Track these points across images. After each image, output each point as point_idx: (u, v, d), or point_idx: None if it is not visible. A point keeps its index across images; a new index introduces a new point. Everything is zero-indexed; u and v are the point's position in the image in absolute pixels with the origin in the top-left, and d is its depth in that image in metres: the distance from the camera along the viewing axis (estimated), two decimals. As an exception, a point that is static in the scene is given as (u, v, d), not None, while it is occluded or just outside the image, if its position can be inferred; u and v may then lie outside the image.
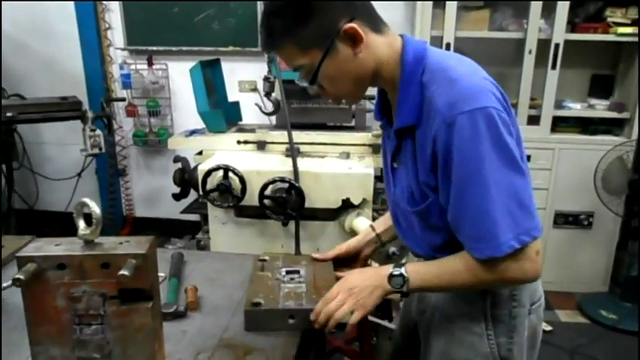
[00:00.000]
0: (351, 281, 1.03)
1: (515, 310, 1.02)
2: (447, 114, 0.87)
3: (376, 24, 0.97)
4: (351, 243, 1.32)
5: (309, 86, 0.99)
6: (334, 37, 0.92)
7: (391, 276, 0.98)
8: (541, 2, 2.69)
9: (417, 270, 0.98)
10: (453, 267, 0.95)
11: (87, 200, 0.78)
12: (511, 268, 0.89)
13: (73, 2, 3.32)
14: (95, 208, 0.77)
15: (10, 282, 0.75)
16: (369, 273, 1.04)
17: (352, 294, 1.00)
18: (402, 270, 0.98)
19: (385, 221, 1.31)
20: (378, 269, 1.02)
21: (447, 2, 2.74)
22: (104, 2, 3.36)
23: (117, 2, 3.35)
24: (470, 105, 0.85)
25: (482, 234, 0.88)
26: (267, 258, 1.29)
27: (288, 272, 1.20)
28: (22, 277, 0.73)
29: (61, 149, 3.67)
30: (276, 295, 1.09)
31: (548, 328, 2.67)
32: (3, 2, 3.29)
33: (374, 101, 1.13)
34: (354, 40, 0.92)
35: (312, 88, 1.00)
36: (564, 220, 2.95)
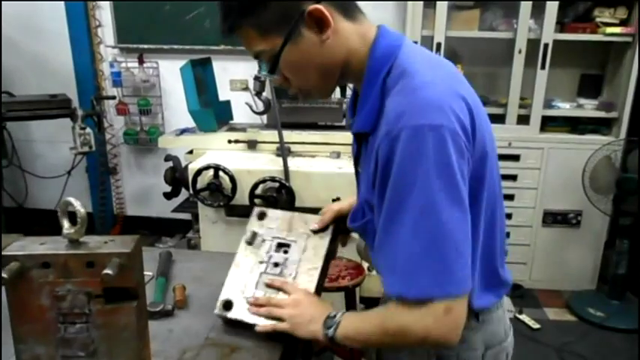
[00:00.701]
0: (302, 300, 0.98)
1: (464, 353, 0.90)
2: (392, 125, 0.76)
3: (348, 9, 0.86)
4: (344, 204, 1.14)
5: (271, 76, 0.88)
6: (297, 21, 0.81)
7: (328, 317, 0.90)
8: (531, 2, 2.72)
9: (353, 319, 0.89)
10: (382, 315, 0.84)
11: (72, 199, 0.78)
12: (415, 318, 0.77)
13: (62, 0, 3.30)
14: (80, 208, 0.77)
15: (-6, 281, 0.74)
16: (321, 305, 0.96)
17: (295, 311, 0.96)
18: (339, 314, 0.90)
19: None
20: (329, 305, 0.96)
21: (438, 2, 2.76)
22: (94, 0, 3.34)
23: (107, 0, 3.33)
24: (420, 119, 0.74)
25: (397, 267, 0.77)
26: (266, 212, 1.14)
27: (279, 246, 1.09)
28: (5, 275, 0.72)
29: (50, 147, 3.65)
30: (250, 290, 1.05)
31: (537, 326, 2.69)
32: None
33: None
34: (321, 24, 0.82)
35: (275, 79, 0.90)
36: (553, 218, 2.98)
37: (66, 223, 0.78)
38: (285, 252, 1.07)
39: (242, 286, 1.05)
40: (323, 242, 1.08)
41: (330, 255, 1.09)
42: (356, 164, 0.97)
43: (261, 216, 1.13)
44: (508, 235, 2.98)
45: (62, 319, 0.79)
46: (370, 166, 0.82)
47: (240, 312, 1.02)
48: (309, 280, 1.03)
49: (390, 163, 0.76)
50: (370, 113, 0.84)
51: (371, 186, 0.83)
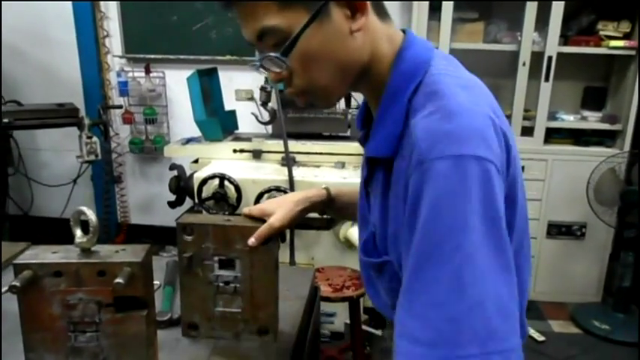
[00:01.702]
0: None
1: None
2: (425, 152, 0.61)
3: (381, 6, 0.75)
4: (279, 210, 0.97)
5: (274, 63, 0.71)
6: None
7: None
8: (535, 15, 2.73)
9: None
10: None
11: (84, 208, 0.79)
12: None
13: (71, 10, 3.33)
14: (92, 217, 0.78)
15: (6, 288, 0.75)
16: None
17: None
18: None
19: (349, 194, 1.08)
20: None
21: (442, 14, 2.78)
22: (102, 10, 3.38)
23: (115, 10, 3.37)
24: (460, 148, 0.59)
25: (435, 334, 0.58)
26: (193, 227, 0.96)
27: (221, 263, 0.98)
28: (18, 284, 0.73)
29: (56, 155, 3.67)
30: (210, 312, 1.01)
31: (541, 338, 2.68)
32: (2, 6, 3.31)
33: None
34: (354, 9, 0.69)
35: (276, 71, 0.72)
36: (557, 230, 2.97)
37: (78, 232, 0.79)
38: (231, 268, 0.98)
39: (200, 307, 1.01)
40: (270, 256, 0.97)
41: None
42: (366, 186, 0.85)
43: (189, 231, 0.97)
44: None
45: (73, 328, 0.80)
46: (399, 194, 0.68)
47: (208, 331, 1.02)
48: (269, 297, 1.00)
49: (420, 200, 0.61)
50: (390, 137, 0.71)
51: (394, 220, 0.71)
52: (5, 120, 2.39)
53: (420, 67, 0.72)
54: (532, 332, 2.72)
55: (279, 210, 0.97)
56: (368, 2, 0.69)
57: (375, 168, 0.79)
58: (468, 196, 0.58)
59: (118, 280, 0.74)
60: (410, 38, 0.76)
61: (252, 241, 0.93)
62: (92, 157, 2.70)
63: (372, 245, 0.80)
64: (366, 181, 0.84)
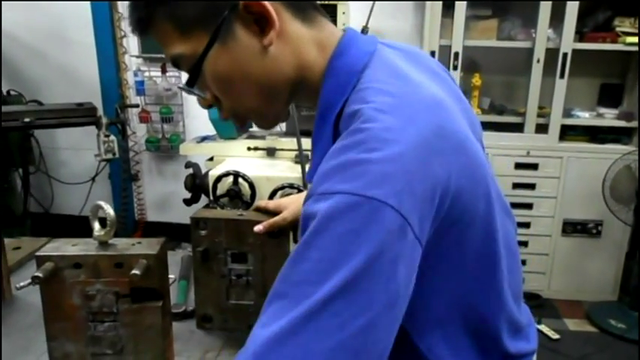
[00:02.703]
0: None
1: None
2: (314, 187, 0.54)
3: (303, 9, 0.65)
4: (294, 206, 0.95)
5: (191, 91, 0.66)
6: (229, 15, 0.60)
7: None
8: (549, 12, 2.72)
9: None
10: None
11: (102, 203, 0.82)
12: None
13: (89, 10, 3.40)
14: (110, 211, 0.82)
15: (28, 280, 0.79)
16: None
17: None
18: None
19: None
20: None
21: (456, 11, 2.77)
22: (120, 11, 3.44)
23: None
24: (340, 185, 0.50)
25: None
26: (207, 221, 0.98)
27: (234, 257, 0.99)
28: (40, 275, 0.77)
29: (75, 154, 3.75)
30: (223, 305, 1.02)
31: (556, 336, 2.67)
32: (17, 9, 3.39)
33: None
34: (263, 24, 0.61)
35: (203, 98, 0.68)
36: (573, 228, 2.95)
37: (96, 226, 0.82)
38: (244, 262, 1.00)
39: (214, 300, 1.03)
40: (282, 250, 0.98)
41: None
42: None
43: (203, 225, 0.99)
44: (526, 245, 2.97)
45: (92, 318, 0.83)
46: None
47: (221, 323, 1.04)
48: None
49: (303, 235, 0.53)
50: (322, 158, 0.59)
51: None
52: (27, 119, 2.44)
53: (349, 79, 0.62)
54: (546, 330, 2.71)
55: (292, 205, 0.98)
56: (275, 14, 0.61)
57: None
58: (340, 241, 0.49)
59: (135, 271, 0.77)
60: (345, 42, 0.66)
61: (259, 228, 0.91)
62: (110, 156, 2.75)
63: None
64: None
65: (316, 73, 0.66)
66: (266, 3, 0.60)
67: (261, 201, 1.04)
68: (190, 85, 0.65)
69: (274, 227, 0.96)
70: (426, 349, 0.65)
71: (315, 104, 0.66)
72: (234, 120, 0.71)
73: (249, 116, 0.71)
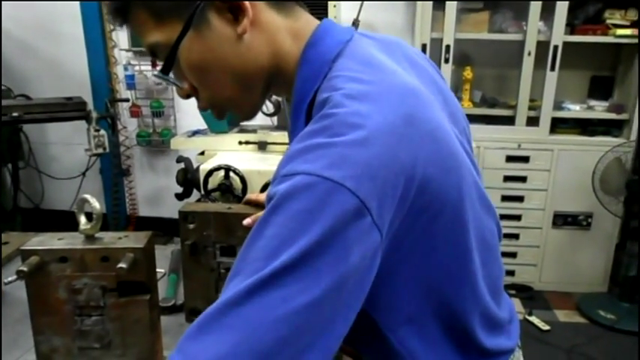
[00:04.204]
0: None
1: None
2: (278, 168, 0.55)
3: (281, 1, 0.66)
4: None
5: (167, 79, 0.67)
6: (202, 2, 0.61)
7: None
8: (540, 4, 2.72)
9: None
10: None
11: (88, 196, 0.82)
12: None
13: (78, 4, 3.36)
14: (95, 204, 0.81)
15: (15, 276, 0.78)
16: None
17: None
18: None
19: None
20: None
21: (447, 4, 2.77)
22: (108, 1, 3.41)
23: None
24: (300, 166, 0.51)
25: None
26: (195, 214, 0.98)
27: (222, 250, 0.98)
28: (25, 269, 0.76)
29: (66, 149, 3.72)
30: (212, 298, 0.99)
31: (546, 327, 2.69)
32: (7, 2, 3.35)
33: None
34: (236, 12, 0.62)
35: (180, 88, 0.69)
36: (563, 220, 2.97)
37: (82, 219, 0.82)
38: (233, 255, 0.98)
39: (203, 294, 1.02)
40: None
41: None
42: None
43: (191, 219, 0.98)
44: (517, 237, 2.99)
45: (79, 312, 0.83)
46: None
47: None
48: None
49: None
50: None
51: None
52: (15, 114, 2.42)
53: (321, 68, 0.62)
54: (537, 321, 2.73)
55: None
56: (247, 3, 0.61)
57: None
58: (293, 219, 0.49)
59: (121, 265, 0.77)
60: (320, 32, 0.66)
61: (248, 221, 0.89)
62: (100, 151, 2.74)
63: None
64: None
65: (291, 63, 0.66)
66: None
67: (252, 194, 1.04)
68: (165, 72, 0.65)
69: None
70: (399, 343, 0.64)
71: (289, 94, 0.67)
72: (212, 111, 0.71)
73: (227, 107, 0.71)
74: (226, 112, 0.72)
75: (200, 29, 0.62)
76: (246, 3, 0.61)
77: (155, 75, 0.67)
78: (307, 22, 0.67)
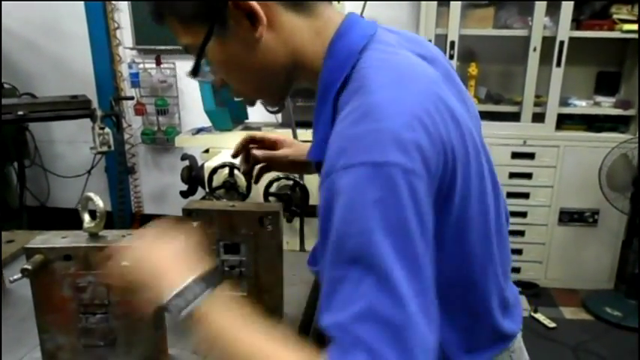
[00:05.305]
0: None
1: None
2: (333, 163, 0.57)
3: (299, 3, 0.70)
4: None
5: (202, 77, 0.74)
6: (222, 12, 0.66)
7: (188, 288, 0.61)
8: (546, 0, 2.70)
9: (223, 324, 0.60)
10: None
11: (92, 195, 0.82)
12: None
13: (82, 2, 3.37)
14: (99, 202, 0.81)
15: (20, 274, 0.78)
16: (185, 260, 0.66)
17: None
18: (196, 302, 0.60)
19: None
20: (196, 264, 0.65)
21: (452, 0, 2.75)
22: (113, 2, 3.41)
23: (126, 2, 3.40)
24: (367, 156, 0.54)
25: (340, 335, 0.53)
26: (199, 211, 0.99)
27: (226, 248, 0.99)
28: (29, 267, 0.76)
29: (71, 147, 3.73)
30: None
31: (552, 324, 2.68)
32: (10, 2, 3.36)
33: None
34: (252, 18, 0.67)
35: (214, 80, 0.76)
36: (569, 217, 2.95)
37: (86, 218, 0.82)
38: (236, 253, 0.99)
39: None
40: (274, 240, 0.98)
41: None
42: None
43: (195, 217, 0.99)
44: (522, 234, 2.97)
45: (83, 310, 0.83)
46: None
47: None
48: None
49: (330, 214, 0.56)
50: (321, 140, 0.65)
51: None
52: (20, 112, 2.43)
53: (349, 57, 0.67)
54: (542, 319, 2.72)
55: (295, 145, 1.07)
56: (262, 11, 0.66)
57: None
58: (375, 208, 0.53)
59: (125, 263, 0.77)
60: (346, 26, 0.70)
61: (257, 154, 0.99)
62: (105, 149, 2.73)
63: (317, 252, 0.72)
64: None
65: (312, 58, 0.71)
66: (252, 3, 0.65)
67: (257, 132, 1.04)
68: (194, 73, 0.72)
69: (274, 160, 0.99)
70: None
71: (316, 85, 0.71)
72: (243, 100, 0.81)
73: (254, 97, 0.80)
74: (255, 101, 0.81)
75: (222, 34, 0.68)
76: (260, 12, 0.66)
77: (187, 74, 0.74)
78: (330, 18, 0.72)
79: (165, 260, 0.66)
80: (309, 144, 0.93)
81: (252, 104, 0.82)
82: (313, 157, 0.72)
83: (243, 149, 1.07)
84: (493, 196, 0.71)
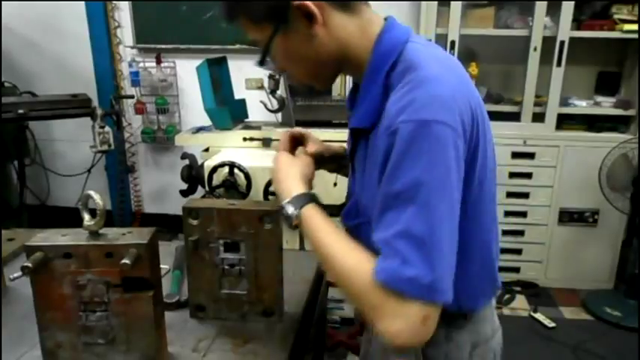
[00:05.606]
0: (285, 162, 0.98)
1: (451, 353, 0.89)
2: (393, 119, 0.72)
3: (346, 2, 0.84)
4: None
5: (266, 66, 0.91)
6: (286, 13, 0.81)
7: (292, 201, 0.87)
8: (546, 0, 2.70)
9: (315, 225, 0.84)
10: (349, 260, 0.76)
11: (92, 193, 0.82)
12: (386, 310, 0.69)
13: (83, 1, 3.37)
14: (99, 201, 0.81)
15: (20, 272, 0.79)
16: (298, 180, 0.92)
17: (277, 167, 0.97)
18: (301, 210, 0.85)
19: None
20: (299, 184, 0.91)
21: (452, 0, 2.75)
22: (114, 1, 3.41)
23: (126, 1, 3.40)
24: (424, 114, 0.70)
25: (393, 248, 0.69)
26: (199, 211, 1.01)
27: (226, 246, 1.01)
28: (29, 265, 0.76)
29: (71, 146, 3.73)
30: (216, 294, 1.04)
31: (552, 324, 2.68)
32: (9, 1, 3.36)
33: None
34: (310, 18, 0.81)
35: (272, 66, 0.92)
36: (569, 217, 2.95)
37: (86, 216, 0.82)
38: (236, 251, 1.01)
39: (207, 290, 1.04)
40: (274, 238, 1.01)
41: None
42: (351, 159, 0.94)
43: (195, 215, 1.01)
44: (522, 234, 2.97)
45: (83, 308, 0.83)
46: (368, 166, 0.82)
47: (214, 313, 1.05)
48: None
49: (388, 159, 0.72)
50: (370, 110, 0.83)
51: (369, 186, 0.81)
52: (20, 111, 2.43)
53: (396, 46, 0.83)
54: (542, 318, 2.72)
55: (332, 146, 1.13)
56: (318, 11, 0.80)
57: (358, 141, 0.89)
58: (428, 154, 0.69)
59: (125, 261, 0.77)
60: (389, 24, 0.87)
61: (311, 149, 1.06)
62: (105, 147, 2.73)
63: (351, 211, 0.93)
64: (351, 155, 0.94)
65: (360, 49, 0.85)
66: (309, 4, 0.79)
67: (296, 128, 1.12)
68: (261, 63, 0.88)
69: (323, 156, 1.06)
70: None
71: (358, 73, 0.87)
72: (299, 84, 0.99)
73: (308, 82, 0.93)
74: (308, 85, 0.94)
75: (286, 31, 0.82)
76: (316, 12, 0.80)
77: (255, 64, 0.90)
78: (370, 18, 0.87)
79: (288, 175, 0.94)
80: (331, 144, 1.13)
81: (306, 86, 0.98)
82: (359, 124, 0.86)
83: (289, 145, 1.10)
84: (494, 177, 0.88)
